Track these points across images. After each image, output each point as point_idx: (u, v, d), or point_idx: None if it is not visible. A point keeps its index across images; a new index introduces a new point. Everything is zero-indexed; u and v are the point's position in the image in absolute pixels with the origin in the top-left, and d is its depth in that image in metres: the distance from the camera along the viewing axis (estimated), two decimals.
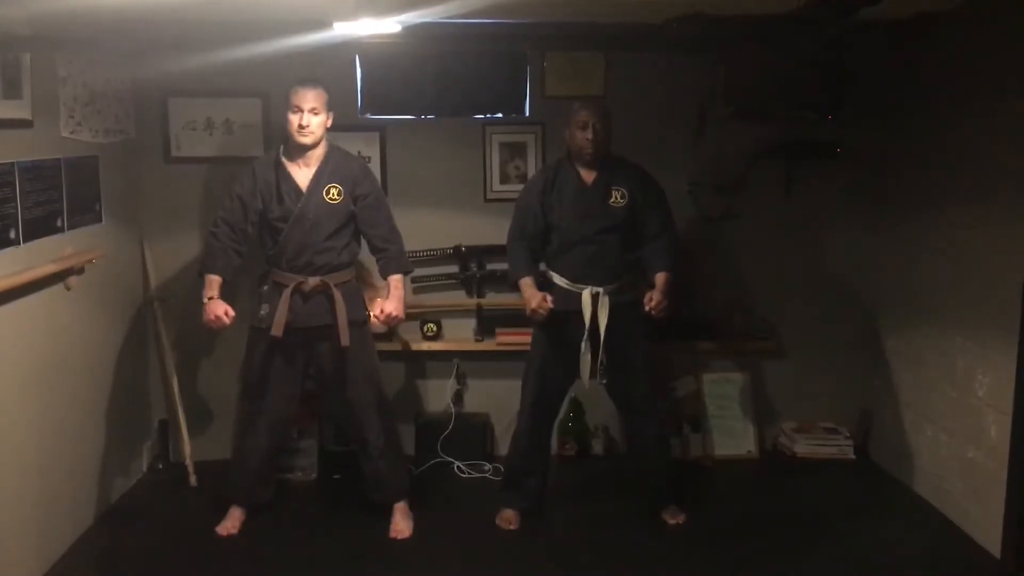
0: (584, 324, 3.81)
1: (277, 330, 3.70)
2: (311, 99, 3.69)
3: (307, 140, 3.72)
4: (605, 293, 3.81)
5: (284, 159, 3.80)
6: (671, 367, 4.80)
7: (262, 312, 3.77)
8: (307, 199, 3.75)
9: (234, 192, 3.80)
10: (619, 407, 4.15)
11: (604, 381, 3.90)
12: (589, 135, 3.78)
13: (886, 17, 3.95)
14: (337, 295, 3.77)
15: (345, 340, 3.75)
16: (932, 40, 4.23)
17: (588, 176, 3.88)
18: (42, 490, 3.54)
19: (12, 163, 3.29)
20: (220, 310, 3.71)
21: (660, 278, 3.85)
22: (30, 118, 3.45)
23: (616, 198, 3.84)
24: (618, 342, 3.85)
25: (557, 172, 3.93)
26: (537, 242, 3.96)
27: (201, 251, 4.18)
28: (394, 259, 3.94)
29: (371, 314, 3.98)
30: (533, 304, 3.82)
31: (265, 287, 3.82)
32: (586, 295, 3.82)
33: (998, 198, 3.73)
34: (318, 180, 3.77)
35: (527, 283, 3.89)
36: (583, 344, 3.83)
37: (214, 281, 3.77)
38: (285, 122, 3.74)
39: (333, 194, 3.77)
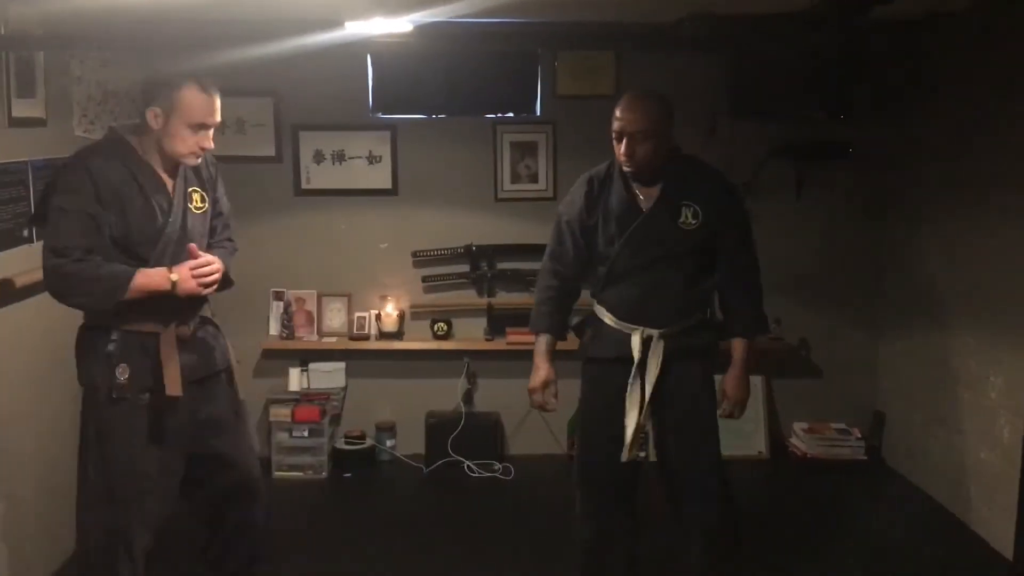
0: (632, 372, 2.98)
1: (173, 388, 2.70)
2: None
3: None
4: (660, 337, 2.95)
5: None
6: None
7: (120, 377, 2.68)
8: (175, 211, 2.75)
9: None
10: (667, 493, 3.09)
11: (642, 454, 3.03)
12: (623, 150, 2.88)
13: (897, 16, 3.94)
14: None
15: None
16: (943, 40, 4.22)
17: (646, 191, 2.97)
18: (57, 488, 3.55)
19: (26, 161, 3.32)
20: None
21: (737, 351, 3.01)
22: (44, 117, 3.48)
23: (687, 217, 2.93)
24: (675, 400, 2.98)
25: (604, 184, 3.04)
26: (576, 271, 3.11)
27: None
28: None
29: None
30: (534, 383, 3.11)
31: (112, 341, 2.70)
32: (636, 339, 2.97)
33: (1010, 198, 3.72)
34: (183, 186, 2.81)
35: (540, 345, 3.13)
36: (630, 397, 2.96)
37: None
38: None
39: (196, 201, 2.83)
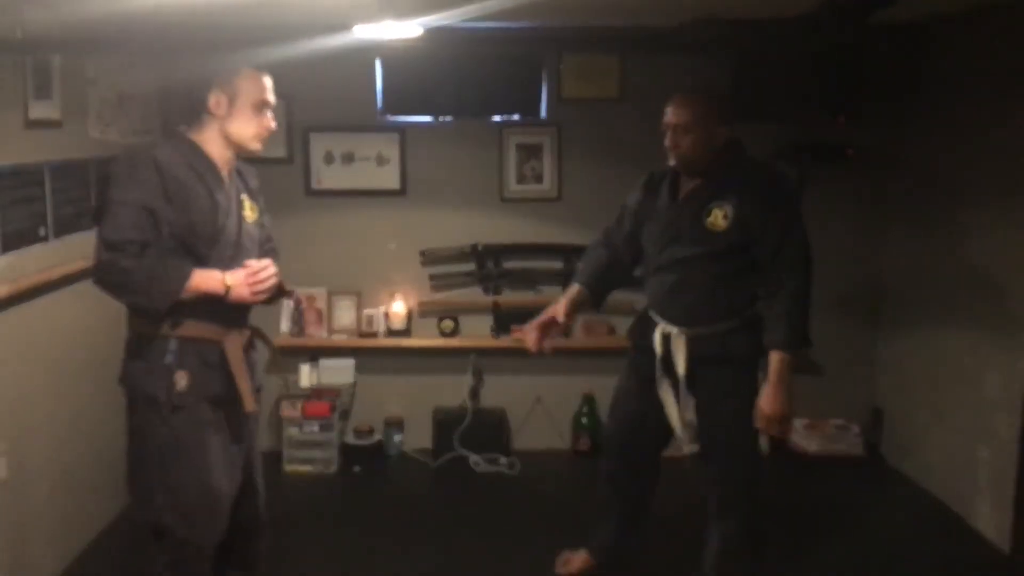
0: (656, 365, 3.10)
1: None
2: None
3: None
4: (680, 334, 3.01)
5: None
6: None
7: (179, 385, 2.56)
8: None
9: None
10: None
11: (696, 447, 3.09)
12: (667, 142, 2.98)
13: (897, 20, 3.99)
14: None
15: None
16: (944, 42, 4.26)
17: (687, 189, 3.05)
18: (73, 479, 3.62)
19: (42, 163, 3.38)
20: None
21: (773, 363, 2.90)
22: (60, 119, 3.54)
23: (716, 218, 2.92)
24: (708, 408, 3.04)
25: (663, 178, 3.13)
26: (624, 248, 3.23)
27: None
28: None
29: None
30: (541, 319, 3.19)
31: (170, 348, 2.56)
32: (657, 333, 3.07)
33: (1010, 199, 3.76)
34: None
35: (568, 292, 3.25)
36: (662, 392, 3.11)
37: None
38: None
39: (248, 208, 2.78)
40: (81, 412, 3.71)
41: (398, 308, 4.74)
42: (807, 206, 4.68)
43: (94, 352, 3.81)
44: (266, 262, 2.65)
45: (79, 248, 3.63)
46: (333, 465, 4.62)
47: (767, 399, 2.92)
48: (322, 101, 4.67)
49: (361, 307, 4.80)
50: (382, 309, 4.78)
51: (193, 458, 2.57)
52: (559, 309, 3.21)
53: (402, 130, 4.70)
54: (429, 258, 4.78)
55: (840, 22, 3.70)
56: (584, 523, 3.92)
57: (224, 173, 2.65)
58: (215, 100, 2.59)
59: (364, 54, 4.46)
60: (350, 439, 4.74)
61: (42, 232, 3.38)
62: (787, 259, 2.90)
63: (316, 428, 4.58)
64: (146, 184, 2.45)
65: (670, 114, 2.98)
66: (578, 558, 3.52)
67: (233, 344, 2.61)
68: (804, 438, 4.78)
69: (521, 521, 4.08)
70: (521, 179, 4.75)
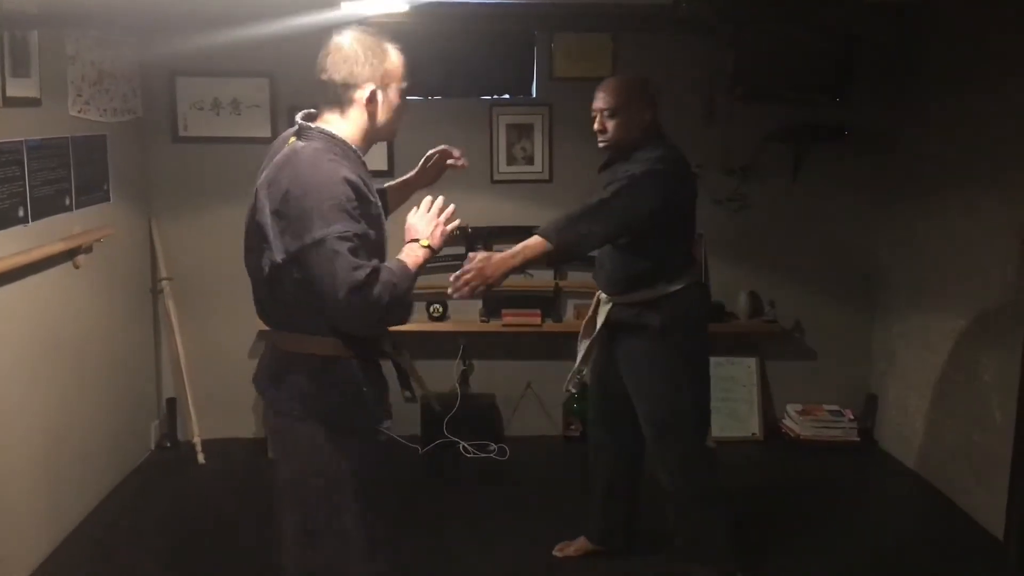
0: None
1: None
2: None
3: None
4: (607, 301, 3.30)
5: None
6: None
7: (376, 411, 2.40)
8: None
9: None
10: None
11: (573, 391, 3.78)
12: (596, 126, 3.16)
13: None
14: None
15: None
16: (941, 20, 4.22)
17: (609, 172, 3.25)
18: (51, 467, 3.57)
19: (21, 141, 3.31)
20: None
21: (522, 244, 3.07)
22: (38, 96, 3.46)
23: None
24: (625, 372, 3.28)
25: (609, 158, 3.30)
26: None
27: None
28: None
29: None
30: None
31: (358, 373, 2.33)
32: (595, 297, 3.40)
33: (1007, 180, 3.73)
34: None
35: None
36: (579, 342, 3.42)
37: None
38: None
39: None
40: (61, 397, 3.65)
41: None
42: (803, 187, 4.70)
43: (73, 338, 3.75)
44: (425, 201, 2.49)
45: (58, 230, 3.57)
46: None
47: (492, 257, 3.00)
48: (307, 80, 4.53)
49: None
50: None
51: (382, 483, 2.39)
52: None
53: None
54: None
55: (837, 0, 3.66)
56: (575, 509, 3.90)
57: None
58: (370, 94, 2.31)
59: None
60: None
61: (21, 213, 3.31)
62: (607, 195, 2.97)
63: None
64: (347, 208, 2.14)
65: (598, 99, 3.13)
66: (576, 544, 3.59)
67: (403, 356, 2.47)
68: (798, 423, 4.75)
69: (511, 508, 4.04)
70: (512, 160, 4.69)
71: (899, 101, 4.56)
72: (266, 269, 2.23)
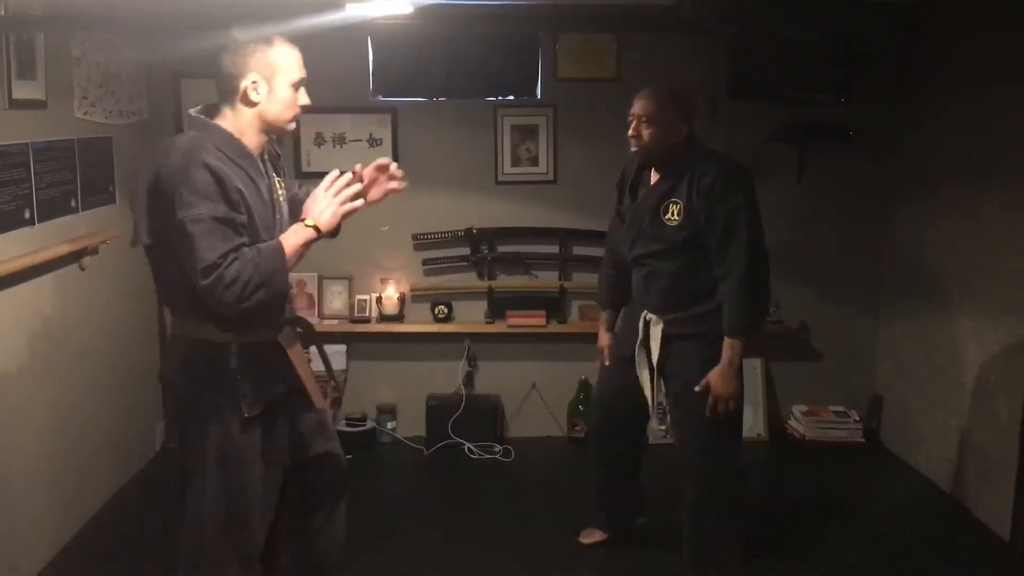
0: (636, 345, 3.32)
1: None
2: None
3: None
4: (658, 321, 3.23)
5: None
6: None
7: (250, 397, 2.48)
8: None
9: None
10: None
11: (663, 428, 3.41)
12: (631, 131, 3.13)
13: None
14: None
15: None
16: (944, 20, 4.21)
17: (648, 186, 3.24)
18: (57, 468, 3.57)
19: (27, 143, 3.31)
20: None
21: (724, 346, 3.08)
22: (44, 99, 3.47)
23: (672, 214, 3.12)
24: (674, 379, 3.24)
25: (636, 171, 3.31)
26: (626, 258, 3.38)
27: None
28: None
29: None
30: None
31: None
32: (642, 317, 3.29)
33: (1010, 180, 3.72)
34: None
35: (601, 320, 3.54)
36: (639, 370, 3.31)
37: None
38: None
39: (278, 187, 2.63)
40: (66, 398, 3.66)
41: (390, 293, 4.68)
42: (807, 188, 4.70)
43: (79, 339, 3.76)
44: (333, 173, 2.49)
45: (64, 232, 3.58)
46: None
47: (716, 378, 3.08)
48: (312, 81, 4.48)
49: (353, 292, 4.74)
50: (374, 294, 4.72)
51: (248, 464, 2.49)
52: (603, 340, 3.51)
53: (394, 110, 4.63)
54: (422, 242, 4.72)
55: (840, 0, 3.65)
56: (580, 510, 3.89)
57: (261, 163, 2.48)
58: (252, 84, 2.38)
59: (355, 33, 4.38)
60: (342, 426, 4.67)
61: (27, 215, 3.32)
62: (732, 249, 3.04)
63: None
64: (208, 192, 2.25)
65: (636, 105, 3.13)
66: (595, 532, 3.67)
67: (291, 342, 2.55)
68: (803, 424, 4.74)
69: (516, 509, 4.04)
70: (516, 161, 4.69)
71: (903, 101, 4.55)
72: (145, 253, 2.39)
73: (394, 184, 2.73)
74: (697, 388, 3.10)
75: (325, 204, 2.46)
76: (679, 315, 3.17)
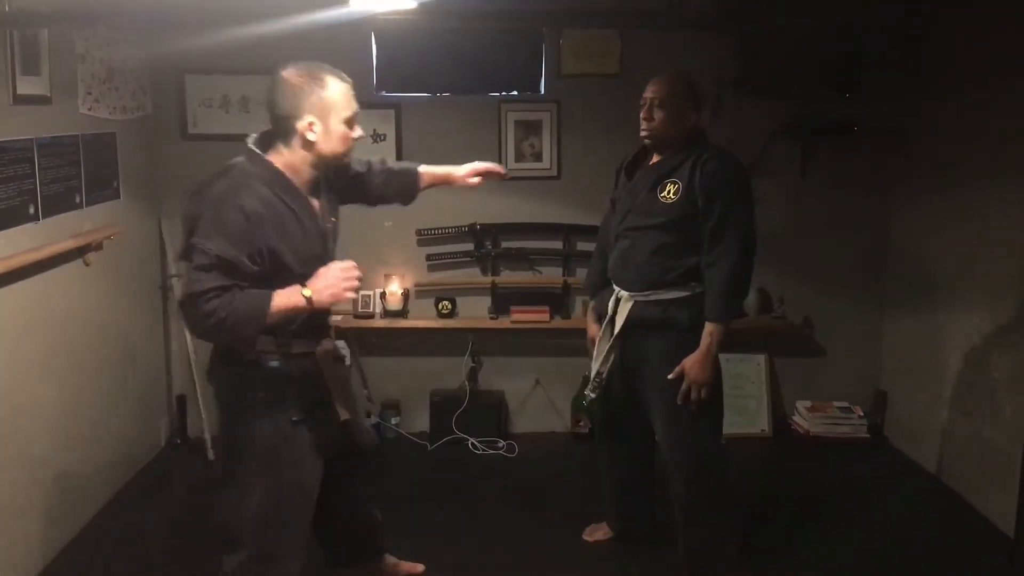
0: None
1: None
2: None
3: None
4: (629, 299, 3.21)
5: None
6: None
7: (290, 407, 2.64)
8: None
9: None
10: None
11: (592, 395, 3.40)
12: (642, 114, 3.15)
13: None
14: None
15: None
16: (949, 15, 4.20)
17: (653, 162, 3.24)
18: (62, 464, 3.58)
19: (31, 139, 3.32)
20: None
21: (704, 332, 3.07)
22: (48, 94, 3.47)
23: (669, 192, 3.10)
24: (641, 371, 3.23)
25: (635, 155, 3.33)
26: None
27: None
28: None
29: None
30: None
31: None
32: (612, 297, 3.30)
33: (1015, 175, 3.71)
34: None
35: (590, 310, 3.54)
36: (599, 345, 3.34)
37: None
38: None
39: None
40: (71, 394, 3.67)
41: (394, 288, 4.69)
42: (811, 183, 4.69)
43: (84, 335, 3.77)
44: (349, 263, 2.54)
45: (68, 228, 3.58)
46: None
47: (693, 363, 3.07)
48: None
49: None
50: (378, 290, 4.72)
51: (294, 464, 2.60)
52: (592, 330, 3.46)
53: (398, 106, 4.63)
54: (426, 238, 4.72)
55: None
56: (584, 505, 3.90)
57: (312, 200, 2.57)
58: (308, 125, 2.45)
59: (358, 28, 4.38)
60: None
61: (31, 211, 3.32)
62: (726, 238, 3.04)
63: None
64: (230, 232, 2.35)
65: (649, 89, 3.16)
66: (600, 529, 3.67)
67: (326, 355, 2.64)
68: (807, 420, 4.74)
69: (519, 504, 4.04)
70: (520, 157, 4.69)
71: (907, 97, 4.54)
72: None
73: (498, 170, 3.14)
74: (670, 376, 3.09)
75: (330, 283, 2.49)
76: (648, 296, 3.15)
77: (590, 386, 3.40)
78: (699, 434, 3.17)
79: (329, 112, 2.46)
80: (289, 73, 2.46)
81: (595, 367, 3.35)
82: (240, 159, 2.50)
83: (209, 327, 2.36)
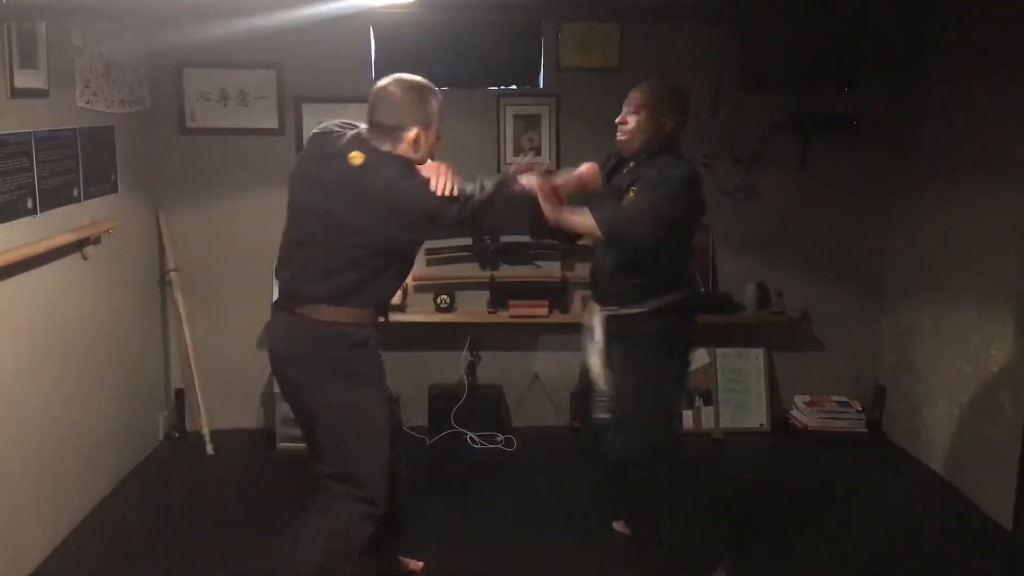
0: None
1: None
2: None
3: None
4: (600, 311, 3.25)
5: None
6: None
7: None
8: None
9: None
10: None
11: (603, 416, 3.38)
12: (619, 118, 3.15)
13: None
14: None
15: None
16: (949, 10, 4.19)
17: (626, 170, 3.21)
18: (60, 457, 3.58)
19: (29, 132, 3.31)
20: None
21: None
22: (46, 88, 3.46)
23: (630, 201, 3.03)
24: (617, 361, 3.26)
25: (618, 160, 3.28)
26: None
27: None
28: None
29: None
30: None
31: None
32: (589, 307, 3.38)
33: (1014, 170, 3.71)
34: None
35: (589, 302, 3.44)
36: (591, 360, 3.35)
37: None
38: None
39: None
40: (69, 388, 3.66)
41: None
42: (811, 177, 4.69)
43: (82, 330, 3.76)
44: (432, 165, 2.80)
45: (66, 221, 3.58)
46: None
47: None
48: (314, 71, 4.58)
49: None
50: None
51: (383, 420, 2.88)
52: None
53: None
54: None
55: None
56: (582, 499, 3.90)
57: None
58: (414, 136, 2.75)
59: (357, 21, 4.37)
60: None
61: (29, 204, 3.31)
62: (633, 203, 2.97)
63: None
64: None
65: (631, 94, 3.15)
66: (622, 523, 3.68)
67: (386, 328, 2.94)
68: (806, 415, 4.74)
69: (518, 498, 4.05)
70: (519, 151, 4.68)
71: (907, 91, 4.54)
72: (357, 250, 2.70)
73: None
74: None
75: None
76: (616, 310, 3.16)
77: (598, 407, 3.38)
78: (660, 440, 3.20)
79: (430, 124, 2.77)
80: (399, 88, 2.77)
81: (599, 384, 3.31)
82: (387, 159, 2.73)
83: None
